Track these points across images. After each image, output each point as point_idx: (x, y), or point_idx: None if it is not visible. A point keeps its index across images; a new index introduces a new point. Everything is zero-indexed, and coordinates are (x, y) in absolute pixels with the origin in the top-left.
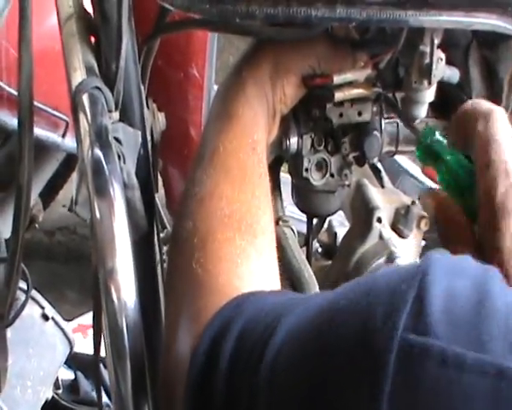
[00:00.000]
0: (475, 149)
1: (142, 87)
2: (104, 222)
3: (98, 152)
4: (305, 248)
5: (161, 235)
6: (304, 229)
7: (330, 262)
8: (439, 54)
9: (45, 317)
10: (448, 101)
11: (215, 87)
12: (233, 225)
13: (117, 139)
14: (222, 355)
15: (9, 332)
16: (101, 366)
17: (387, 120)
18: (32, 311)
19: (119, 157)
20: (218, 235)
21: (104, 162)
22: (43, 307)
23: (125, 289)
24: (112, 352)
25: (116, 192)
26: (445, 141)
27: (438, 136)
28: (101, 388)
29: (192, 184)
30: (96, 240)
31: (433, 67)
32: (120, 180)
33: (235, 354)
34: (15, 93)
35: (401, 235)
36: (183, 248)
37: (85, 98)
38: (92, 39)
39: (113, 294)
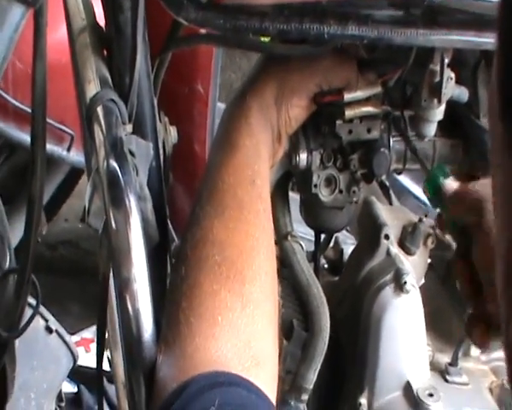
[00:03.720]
0: None
1: (155, 100)
2: (120, 233)
3: (114, 164)
4: (312, 264)
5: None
6: (310, 247)
7: (336, 278)
8: (449, 73)
9: (49, 330)
10: (456, 120)
11: (219, 104)
12: (222, 275)
13: (130, 151)
14: None
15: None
16: (104, 379)
17: (395, 138)
18: (36, 323)
19: (132, 169)
20: (205, 287)
21: (120, 174)
22: (46, 320)
23: (140, 299)
24: (126, 361)
25: (132, 203)
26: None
27: (447, 180)
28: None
29: (191, 221)
30: (110, 250)
31: (444, 85)
32: (136, 192)
33: None
34: (22, 107)
35: (408, 252)
36: (174, 293)
37: (100, 110)
38: (104, 52)
39: (128, 303)
